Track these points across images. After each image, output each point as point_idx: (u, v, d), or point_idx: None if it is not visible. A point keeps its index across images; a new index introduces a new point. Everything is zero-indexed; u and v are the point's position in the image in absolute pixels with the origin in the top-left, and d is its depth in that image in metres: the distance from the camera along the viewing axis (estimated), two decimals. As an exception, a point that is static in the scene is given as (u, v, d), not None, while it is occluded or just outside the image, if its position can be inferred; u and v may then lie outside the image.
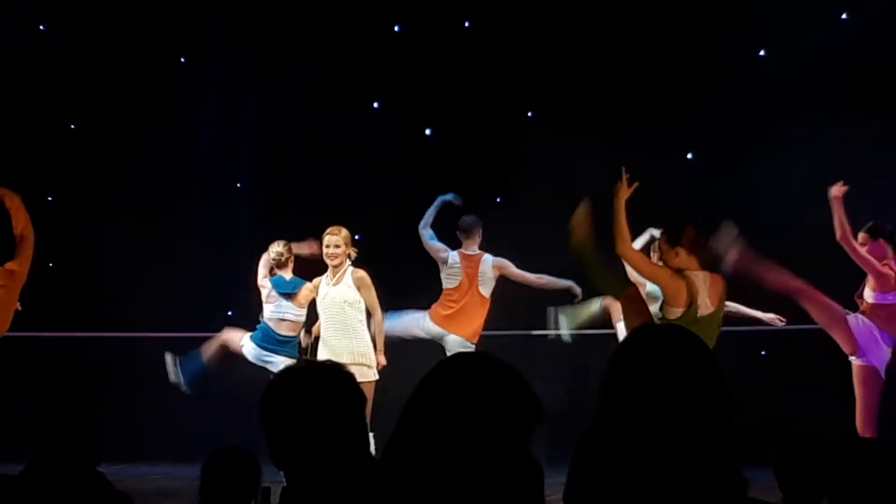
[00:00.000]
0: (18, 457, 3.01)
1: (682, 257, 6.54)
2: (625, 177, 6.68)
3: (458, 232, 9.39)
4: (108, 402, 10.68)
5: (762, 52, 10.89)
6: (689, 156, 11.02)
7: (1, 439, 9.60)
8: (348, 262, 8.07)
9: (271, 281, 8.74)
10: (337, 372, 2.40)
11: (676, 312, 6.43)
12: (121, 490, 3.66)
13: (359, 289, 8.01)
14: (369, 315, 8.21)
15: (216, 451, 3.76)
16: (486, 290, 9.23)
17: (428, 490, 1.88)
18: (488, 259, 9.26)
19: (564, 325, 8.69)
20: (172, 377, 8.95)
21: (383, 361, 8.08)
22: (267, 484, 3.56)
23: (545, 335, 9.23)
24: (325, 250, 8.04)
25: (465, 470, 1.88)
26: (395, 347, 8.58)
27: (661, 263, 6.85)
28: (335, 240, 7.99)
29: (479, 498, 1.87)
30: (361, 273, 8.05)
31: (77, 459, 3.60)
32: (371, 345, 8.05)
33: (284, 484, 2.35)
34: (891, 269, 7.32)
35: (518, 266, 9.38)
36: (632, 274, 7.23)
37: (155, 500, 7.55)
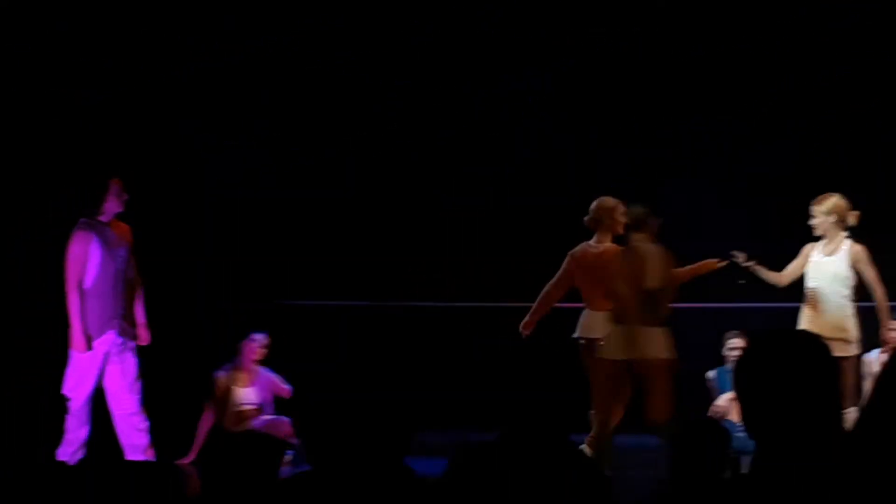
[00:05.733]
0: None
1: None
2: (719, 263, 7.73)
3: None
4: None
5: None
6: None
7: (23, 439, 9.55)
8: (843, 233, 7.90)
9: None
10: (811, 342, 2.50)
11: None
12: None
13: (856, 263, 7.88)
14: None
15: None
16: None
17: None
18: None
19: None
20: None
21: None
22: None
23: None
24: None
25: None
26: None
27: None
28: (813, 210, 7.90)
29: None
30: (859, 248, 7.90)
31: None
32: (853, 320, 7.88)
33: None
34: None
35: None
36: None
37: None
